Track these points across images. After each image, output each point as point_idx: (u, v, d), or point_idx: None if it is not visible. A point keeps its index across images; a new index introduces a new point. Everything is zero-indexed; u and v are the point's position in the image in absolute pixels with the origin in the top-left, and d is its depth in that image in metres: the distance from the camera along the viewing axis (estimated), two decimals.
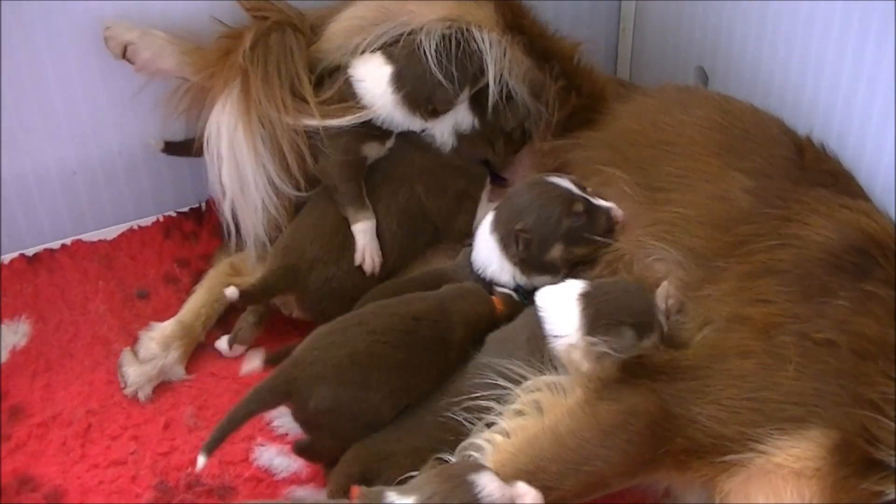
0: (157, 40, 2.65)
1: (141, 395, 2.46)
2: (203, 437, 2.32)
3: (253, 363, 2.54)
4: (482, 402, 2.05)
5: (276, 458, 2.30)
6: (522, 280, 2.33)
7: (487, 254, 2.35)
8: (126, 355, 2.51)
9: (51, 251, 2.86)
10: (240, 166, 2.56)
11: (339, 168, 2.53)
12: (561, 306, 2.10)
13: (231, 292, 2.43)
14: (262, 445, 2.32)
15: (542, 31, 2.69)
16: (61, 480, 2.27)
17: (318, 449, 2.21)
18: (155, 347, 2.50)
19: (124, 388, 2.46)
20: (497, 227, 2.33)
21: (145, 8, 2.67)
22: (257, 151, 2.55)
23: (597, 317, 2.06)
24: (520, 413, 2.00)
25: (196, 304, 2.60)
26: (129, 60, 2.65)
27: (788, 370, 1.93)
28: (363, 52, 2.60)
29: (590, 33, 3.15)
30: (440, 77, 2.52)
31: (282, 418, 2.36)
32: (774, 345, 1.97)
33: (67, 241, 2.88)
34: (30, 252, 2.85)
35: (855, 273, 2.03)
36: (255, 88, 2.54)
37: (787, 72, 2.63)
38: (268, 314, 2.60)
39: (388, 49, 2.58)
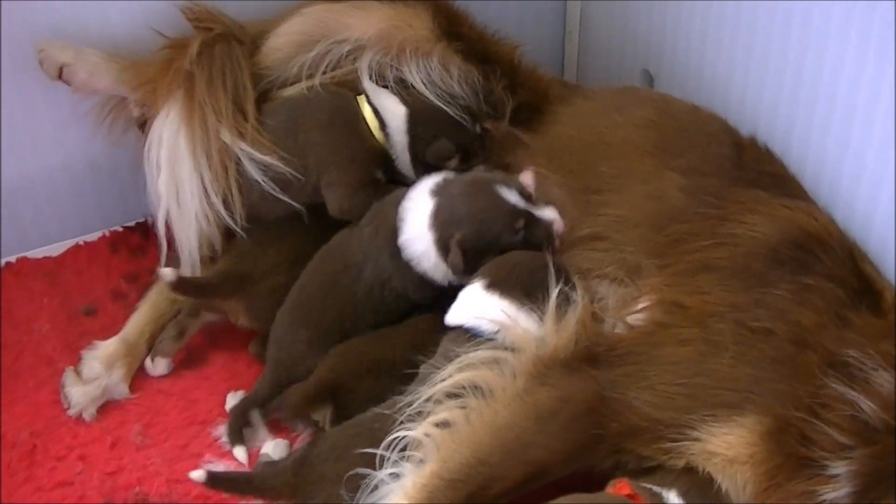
0: (92, 59, 2.62)
1: (85, 416, 2.43)
2: (150, 455, 2.33)
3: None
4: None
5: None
6: (454, 280, 2.30)
7: (424, 249, 2.29)
8: (69, 375, 2.47)
9: None
10: (176, 174, 2.52)
11: (363, 195, 2.47)
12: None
13: (168, 273, 2.39)
14: (210, 462, 2.29)
15: (481, 34, 2.67)
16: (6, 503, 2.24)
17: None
18: (98, 367, 2.47)
19: (68, 408, 2.43)
20: (435, 226, 2.27)
21: (83, 24, 2.63)
22: (196, 159, 2.50)
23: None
24: (457, 400, 1.99)
25: (140, 321, 2.57)
26: (65, 81, 2.62)
27: (724, 357, 1.93)
28: (309, 74, 2.58)
29: (536, 36, 3.16)
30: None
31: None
32: (711, 332, 1.97)
33: (12, 258, 2.84)
34: None
35: (794, 266, 2.04)
36: (200, 92, 2.51)
37: (731, 74, 2.63)
38: (191, 329, 2.57)
39: None
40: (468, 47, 2.62)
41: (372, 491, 1.97)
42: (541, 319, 2.06)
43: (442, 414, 1.99)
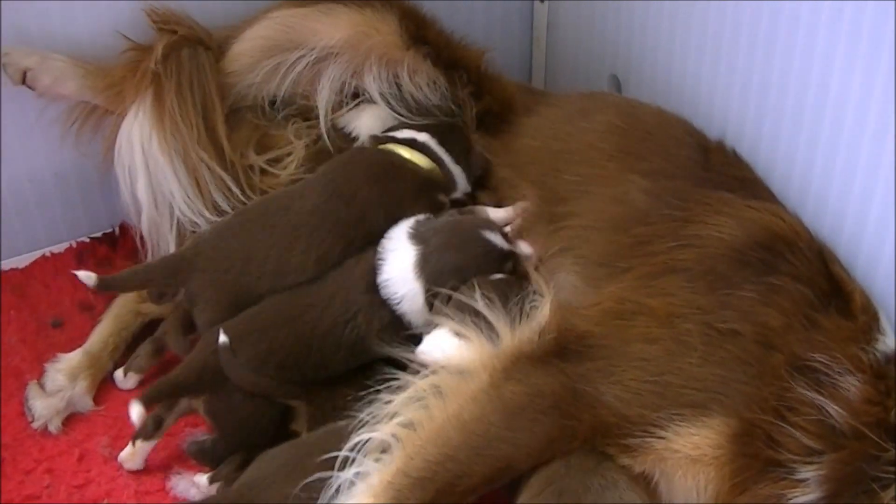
0: (56, 64, 2.59)
1: (51, 428, 2.40)
2: (118, 467, 2.30)
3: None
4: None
5: (191, 488, 2.24)
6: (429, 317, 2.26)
7: (408, 293, 2.24)
8: (32, 388, 2.45)
9: None
10: (154, 178, 2.51)
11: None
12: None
13: (86, 276, 2.36)
14: (178, 474, 2.27)
15: (448, 40, 2.67)
16: None
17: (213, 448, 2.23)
18: (62, 379, 2.44)
19: (32, 421, 2.40)
20: (423, 275, 2.23)
21: (47, 29, 2.61)
22: (172, 163, 2.50)
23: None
24: (422, 402, 1.98)
25: (103, 333, 2.55)
26: (29, 86, 2.60)
27: (692, 357, 1.92)
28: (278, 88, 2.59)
29: (504, 41, 3.18)
30: None
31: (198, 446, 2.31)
32: (678, 332, 1.96)
33: None
34: None
35: (760, 268, 2.03)
36: (170, 98, 2.50)
37: (698, 79, 2.63)
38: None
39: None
40: (435, 53, 2.63)
41: (335, 492, 1.95)
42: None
43: (407, 414, 1.97)
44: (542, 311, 2.04)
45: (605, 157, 2.38)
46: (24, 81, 2.60)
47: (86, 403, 2.46)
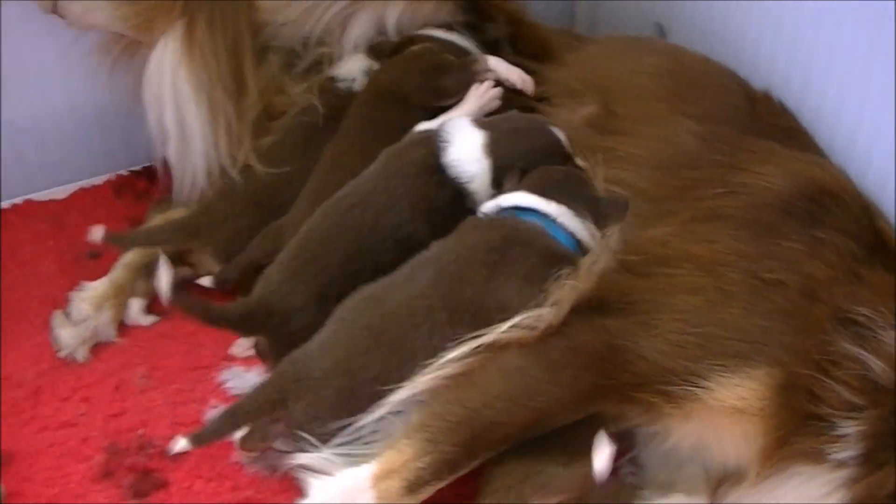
0: None
1: (77, 357, 2.42)
2: (154, 398, 2.31)
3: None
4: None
5: None
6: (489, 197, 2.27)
7: (479, 172, 2.24)
8: (57, 318, 2.46)
9: (0, 210, 2.82)
10: (181, 109, 2.51)
11: None
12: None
13: (96, 231, 2.39)
14: (214, 407, 2.27)
15: None
16: (10, 443, 2.23)
17: None
18: (87, 308, 2.45)
19: (58, 351, 2.42)
20: (493, 155, 2.24)
21: None
22: (198, 95, 2.50)
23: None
24: (471, 352, 1.97)
25: (128, 263, 2.55)
26: (59, 16, 2.58)
27: (735, 307, 1.91)
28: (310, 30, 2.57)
29: None
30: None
31: (234, 379, 2.33)
32: (722, 282, 1.95)
33: (18, 200, 2.83)
34: None
35: (806, 219, 2.01)
36: (200, 31, 2.49)
37: (745, 29, 2.59)
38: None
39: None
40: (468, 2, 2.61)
41: (370, 428, 1.96)
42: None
43: (452, 367, 1.96)
44: (602, 265, 2.04)
45: (655, 98, 2.38)
46: (55, 11, 2.58)
47: (110, 333, 2.47)
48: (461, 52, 2.59)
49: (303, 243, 2.22)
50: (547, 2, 2.89)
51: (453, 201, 2.23)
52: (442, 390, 1.94)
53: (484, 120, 2.32)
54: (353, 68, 2.63)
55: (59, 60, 2.72)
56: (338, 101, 2.58)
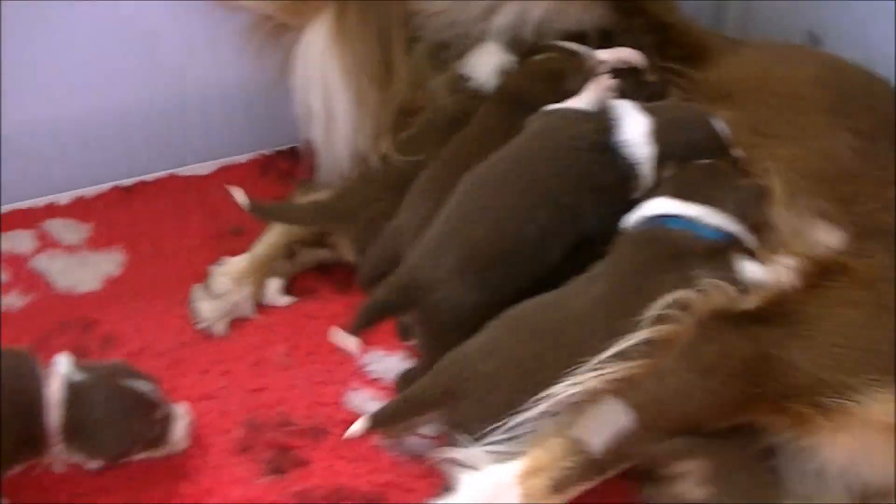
0: None
1: (216, 331, 2.44)
2: (295, 376, 2.32)
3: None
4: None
5: (368, 402, 2.25)
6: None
7: (646, 157, 2.21)
8: (197, 290, 2.48)
9: (146, 183, 2.85)
10: (328, 93, 2.52)
11: None
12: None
13: (238, 194, 2.42)
14: (354, 390, 2.28)
15: None
16: None
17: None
18: (227, 282, 2.47)
19: (197, 323, 2.44)
20: (657, 142, 2.21)
21: None
22: (347, 80, 2.51)
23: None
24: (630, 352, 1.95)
25: (269, 241, 2.56)
26: None
27: (893, 323, 1.87)
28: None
29: None
30: None
31: (375, 363, 2.33)
32: (881, 297, 1.92)
33: (163, 174, 2.87)
34: (126, 184, 2.85)
35: None
36: (352, 15, 2.50)
37: None
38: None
39: None
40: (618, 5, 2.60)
41: (522, 427, 1.93)
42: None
43: (608, 370, 1.94)
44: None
45: (814, 109, 2.32)
46: None
47: (249, 309, 2.49)
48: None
49: (446, 217, 2.20)
50: (697, 2, 2.83)
51: (618, 181, 2.21)
52: (595, 392, 1.92)
53: (647, 105, 2.29)
54: (484, 65, 2.61)
55: (207, 36, 2.74)
56: (469, 100, 2.57)
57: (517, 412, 1.92)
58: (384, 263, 2.27)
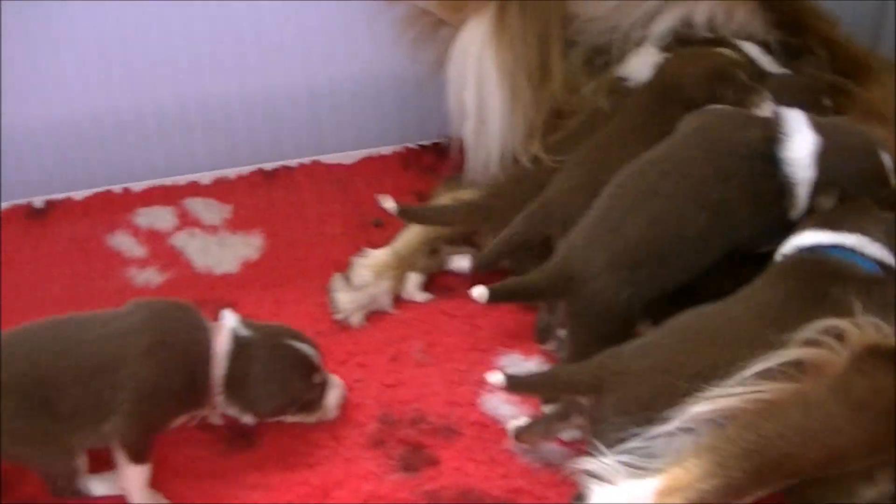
0: None
1: (352, 322, 2.42)
2: (430, 373, 2.30)
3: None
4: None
5: (502, 405, 2.21)
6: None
7: (804, 180, 2.13)
8: (337, 280, 2.47)
9: (288, 168, 2.87)
10: (483, 91, 2.50)
11: None
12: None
13: (386, 200, 2.41)
14: (490, 392, 2.24)
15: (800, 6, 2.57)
16: None
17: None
18: (368, 275, 2.45)
19: (334, 313, 2.43)
20: (818, 166, 2.12)
21: None
22: (503, 79, 2.48)
23: None
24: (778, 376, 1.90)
25: (412, 235, 2.54)
26: None
27: None
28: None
29: (851, 10, 3.00)
30: None
31: (512, 367, 2.29)
32: None
33: (306, 160, 2.88)
34: (268, 167, 2.86)
35: None
36: (512, 14, 2.47)
37: None
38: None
39: None
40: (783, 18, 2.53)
41: (659, 442, 1.89)
42: None
43: (753, 390, 1.88)
44: None
45: None
46: None
47: (387, 303, 2.47)
48: (754, 70, 2.48)
49: (603, 211, 2.17)
50: (852, 24, 2.75)
51: (777, 196, 2.14)
52: (739, 414, 1.87)
53: (818, 121, 2.18)
54: (642, 64, 2.56)
55: (367, 29, 2.75)
56: (625, 102, 2.52)
57: (656, 420, 1.88)
58: (533, 238, 2.31)
